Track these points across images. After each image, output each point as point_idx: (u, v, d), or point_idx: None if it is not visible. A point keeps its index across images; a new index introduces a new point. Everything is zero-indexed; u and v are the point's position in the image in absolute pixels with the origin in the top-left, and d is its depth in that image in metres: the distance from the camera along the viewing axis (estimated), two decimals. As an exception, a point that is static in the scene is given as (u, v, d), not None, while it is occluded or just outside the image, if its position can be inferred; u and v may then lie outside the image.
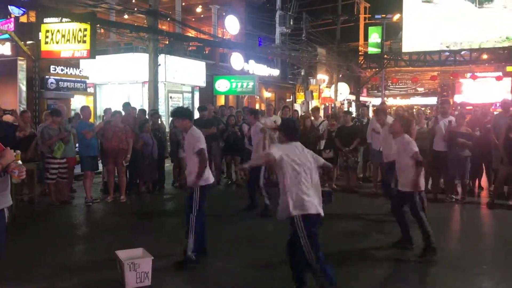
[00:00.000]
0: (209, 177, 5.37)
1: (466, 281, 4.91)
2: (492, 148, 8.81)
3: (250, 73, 22.03)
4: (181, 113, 5.56)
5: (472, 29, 21.65)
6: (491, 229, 7.35)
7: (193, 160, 5.26)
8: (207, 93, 19.88)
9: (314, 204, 4.14)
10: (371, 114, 16.96)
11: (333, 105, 28.03)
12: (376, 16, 29.96)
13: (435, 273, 5.15)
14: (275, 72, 25.65)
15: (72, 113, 12.64)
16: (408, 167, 5.57)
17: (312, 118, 10.90)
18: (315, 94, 26.80)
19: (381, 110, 8.58)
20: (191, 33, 18.21)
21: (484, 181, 9.82)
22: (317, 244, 4.13)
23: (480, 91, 32.32)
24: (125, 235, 6.55)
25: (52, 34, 12.79)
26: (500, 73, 30.85)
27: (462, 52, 23.06)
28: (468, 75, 31.63)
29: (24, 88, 12.96)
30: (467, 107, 20.41)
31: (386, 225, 7.11)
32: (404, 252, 5.71)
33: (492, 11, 21.41)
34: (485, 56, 23.89)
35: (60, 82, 13.72)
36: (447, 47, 22.27)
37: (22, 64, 12.92)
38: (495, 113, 11.91)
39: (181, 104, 17.54)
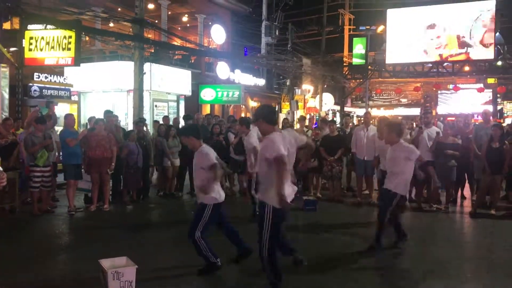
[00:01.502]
0: (221, 194, 5.24)
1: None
2: (473, 158, 8.94)
3: (235, 83, 22.08)
4: (184, 132, 5.82)
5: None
6: (474, 238, 7.43)
7: (200, 176, 5.19)
8: (193, 102, 19.85)
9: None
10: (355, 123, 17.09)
11: (317, 115, 28.20)
12: (361, 28, 30.33)
13: (420, 281, 5.17)
14: (261, 81, 25.76)
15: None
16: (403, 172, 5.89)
17: (298, 126, 10.99)
18: (300, 104, 26.95)
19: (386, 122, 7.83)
20: (177, 42, 18.20)
21: (466, 190, 9.94)
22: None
23: (461, 102, 32.89)
24: (109, 244, 6.47)
25: (36, 41, 12.67)
26: (481, 85, 31.44)
27: (445, 64, 23.41)
28: (451, 86, 32.16)
29: (6, 95, 12.76)
30: (449, 118, 20.79)
31: (370, 234, 7.15)
32: (390, 259, 5.76)
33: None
34: (467, 68, 24.29)
35: (43, 90, 13.56)
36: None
37: (5, 71, 12.74)
38: (476, 123, 12.12)
39: (166, 113, 17.45)
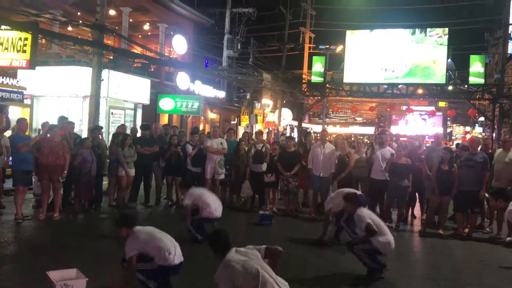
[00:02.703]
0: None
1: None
2: (424, 178, 9.25)
3: (195, 94, 22.00)
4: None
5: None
6: (422, 256, 7.66)
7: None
8: (151, 111, 19.59)
9: None
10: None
11: (275, 130, 28.50)
12: (320, 47, 31.08)
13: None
14: (221, 94, 25.79)
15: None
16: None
17: (255, 140, 11.04)
18: (259, 118, 27.16)
19: None
20: (137, 50, 18.00)
21: (417, 210, 10.26)
22: None
23: (414, 123, 34.10)
24: (58, 254, 6.24)
25: (-11, 41, 12.23)
26: (433, 108, 32.74)
27: (399, 86, 24.29)
28: (404, 108, 33.29)
29: (-46, 96, 12.24)
30: (401, 139, 21.52)
31: (324, 250, 7.25)
32: (339, 276, 5.84)
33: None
34: (420, 91, 25.28)
35: (-6, 92, 13.04)
36: (385, 70, 23.42)
37: (-47, 70, 12.23)
38: (427, 145, 12.56)
39: (122, 121, 17.13)
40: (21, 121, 8.59)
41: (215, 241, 4.09)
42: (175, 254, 4.71)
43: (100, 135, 10.05)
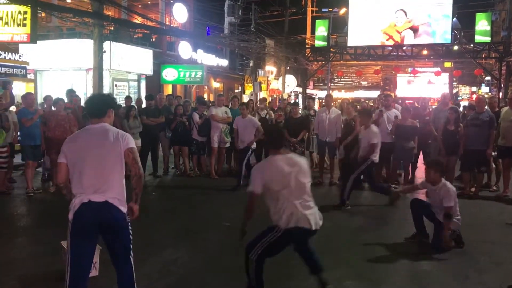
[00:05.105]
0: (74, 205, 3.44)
1: (407, 265, 5.17)
2: (431, 139, 9.25)
3: (198, 63, 21.84)
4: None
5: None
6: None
7: None
8: (154, 81, 19.54)
9: None
10: (316, 106, 17.29)
11: (280, 97, 28.36)
12: (323, 10, 30.47)
13: (378, 258, 5.36)
14: (224, 62, 25.59)
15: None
16: None
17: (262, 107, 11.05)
18: (264, 86, 26.98)
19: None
20: (138, 20, 17.78)
21: (422, 170, 10.28)
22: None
23: (419, 85, 33.77)
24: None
25: (-11, 16, 12.12)
26: (438, 69, 32.35)
27: (404, 48, 23.97)
28: (409, 69, 32.90)
29: (-43, 72, 12.24)
30: (407, 101, 21.41)
31: (332, 214, 7.33)
32: (346, 236, 5.93)
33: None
34: (425, 52, 24.94)
35: (-3, 67, 13.02)
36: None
37: (-45, 47, 12.18)
38: (433, 106, 12.48)
39: (127, 93, 17.12)
40: (27, 95, 8.64)
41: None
42: None
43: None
